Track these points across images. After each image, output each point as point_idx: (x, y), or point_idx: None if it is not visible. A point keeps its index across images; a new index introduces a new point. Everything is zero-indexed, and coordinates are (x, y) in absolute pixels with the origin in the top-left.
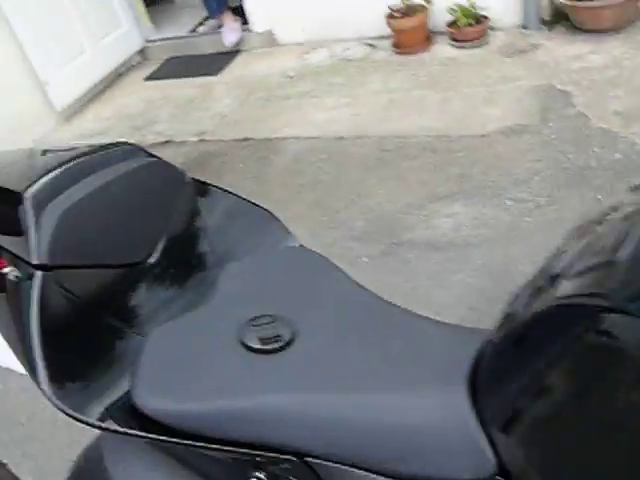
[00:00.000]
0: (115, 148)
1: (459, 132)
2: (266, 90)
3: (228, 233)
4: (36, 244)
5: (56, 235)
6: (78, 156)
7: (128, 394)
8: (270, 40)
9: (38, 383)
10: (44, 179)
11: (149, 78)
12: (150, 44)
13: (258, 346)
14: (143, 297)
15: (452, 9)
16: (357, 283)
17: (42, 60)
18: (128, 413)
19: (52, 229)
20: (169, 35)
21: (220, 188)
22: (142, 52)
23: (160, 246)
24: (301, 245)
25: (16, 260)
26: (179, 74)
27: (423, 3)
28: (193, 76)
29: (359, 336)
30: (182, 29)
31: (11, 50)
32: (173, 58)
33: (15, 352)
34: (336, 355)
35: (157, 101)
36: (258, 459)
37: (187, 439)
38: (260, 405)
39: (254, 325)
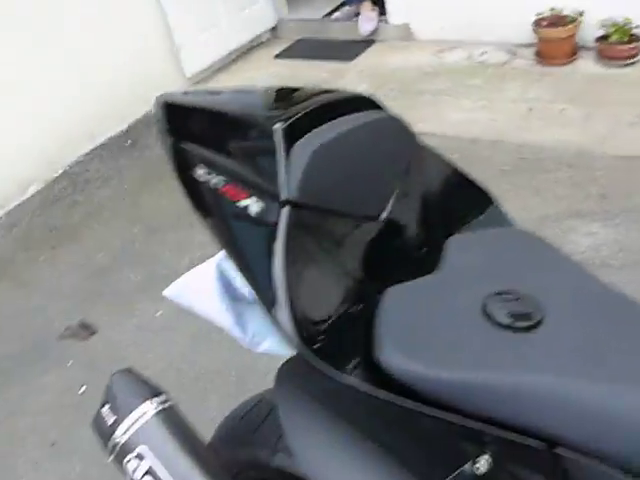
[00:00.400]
0: (354, 96)
1: (601, 150)
2: (400, 83)
3: (448, 203)
4: (286, 179)
5: (307, 173)
6: (322, 99)
7: (369, 351)
8: (406, 34)
9: (279, 323)
10: (293, 115)
11: (279, 56)
12: (283, 23)
13: (507, 322)
14: (375, 253)
15: (604, 24)
16: (590, 273)
17: (180, 25)
18: (369, 371)
19: (303, 166)
20: (303, 17)
21: (443, 157)
22: (274, 30)
23: (390, 204)
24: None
25: (259, 193)
26: (310, 56)
27: (573, 15)
28: (324, 59)
29: (607, 325)
30: (316, 12)
31: (153, 11)
32: (304, 40)
33: (252, 287)
34: (588, 341)
35: (286, 79)
36: (486, 439)
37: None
38: (517, 384)
39: (501, 300)
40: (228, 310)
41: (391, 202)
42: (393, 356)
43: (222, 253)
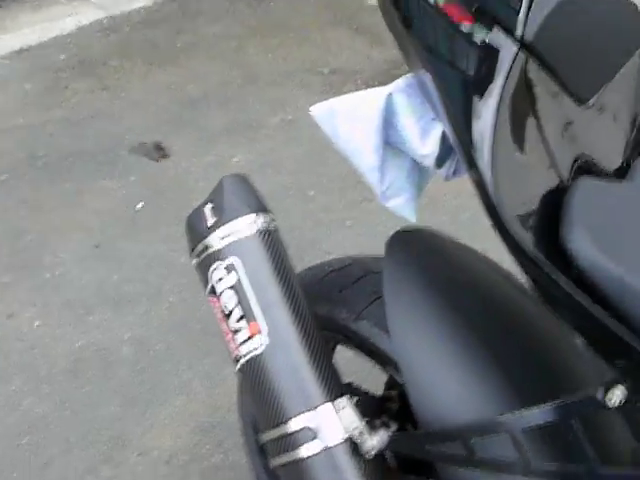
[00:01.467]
0: None
1: None
2: None
3: None
4: (525, 17)
5: (549, 19)
6: None
7: (555, 231)
8: None
9: (475, 165)
10: None
11: None
12: None
13: None
14: (570, 143)
15: None
16: None
17: None
18: (551, 251)
19: (547, 10)
20: None
21: None
22: None
23: (600, 92)
24: None
25: (487, 22)
26: None
27: None
28: None
29: None
30: None
31: None
32: None
33: (447, 119)
34: None
35: None
36: (629, 367)
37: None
38: None
39: None
40: (377, 149)
41: (602, 90)
42: (581, 242)
43: (398, 83)
